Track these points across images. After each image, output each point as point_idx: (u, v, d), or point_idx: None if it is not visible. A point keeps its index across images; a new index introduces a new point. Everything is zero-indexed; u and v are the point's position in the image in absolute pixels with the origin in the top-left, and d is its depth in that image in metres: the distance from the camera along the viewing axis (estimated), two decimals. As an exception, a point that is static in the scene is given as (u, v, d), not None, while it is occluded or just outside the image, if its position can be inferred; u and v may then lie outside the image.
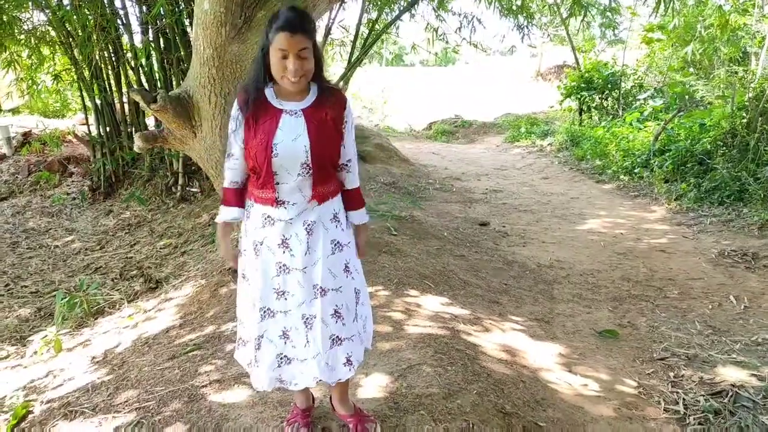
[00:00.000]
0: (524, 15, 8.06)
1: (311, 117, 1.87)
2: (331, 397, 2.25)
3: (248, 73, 2.06)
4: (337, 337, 1.96)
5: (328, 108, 1.89)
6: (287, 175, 1.87)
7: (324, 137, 1.87)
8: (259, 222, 1.94)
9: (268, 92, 1.91)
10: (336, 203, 2.00)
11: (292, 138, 1.84)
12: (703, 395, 2.76)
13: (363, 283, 2.10)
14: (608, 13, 8.68)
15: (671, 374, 3.01)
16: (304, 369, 1.99)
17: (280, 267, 1.93)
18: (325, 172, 1.92)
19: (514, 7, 7.86)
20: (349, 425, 2.18)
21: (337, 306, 1.96)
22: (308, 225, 1.92)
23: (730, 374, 2.94)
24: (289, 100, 1.89)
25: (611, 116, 11.05)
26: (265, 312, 1.96)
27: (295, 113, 1.87)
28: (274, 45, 1.78)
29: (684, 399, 2.75)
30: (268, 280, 1.94)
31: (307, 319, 1.94)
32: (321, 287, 1.92)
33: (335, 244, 1.96)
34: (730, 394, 2.74)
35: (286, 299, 1.95)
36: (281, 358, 1.99)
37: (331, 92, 1.94)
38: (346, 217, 2.05)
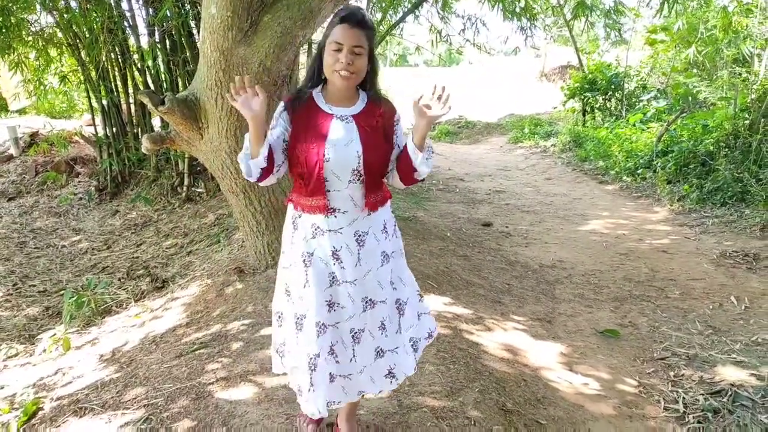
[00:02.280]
0: (527, 17, 8.08)
1: (362, 123, 1.85)
2: (337, 416, 2.22)
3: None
4: (381, 349, 1.95)
5: (378, 116, 1.87)
6: (338, 181, 1.82)
7: (375, 144, 1.84)
8: (309, 233, 1.88)
9: (317, 96, 1.88)
10: (386, 212, 1.97)
11: (344, 143, 1.81)
12: (703, 394, 2.80)
13: (411, 293, 2.05)
14: (612, 15, 8.69)
15: (671, 373, 3.04)
16: (347, 385, 1.95)
17: (332, 278, 1.88)
18: (376, 180, 1.88)
19: (517, 9, 7.88)
20: None
21: (382, 318, 1.94)
22: (359, 235, 1.88)
23: (729, 374, 2.98)
24: (339, 105, 1.86)
25: (614, 117, 11.06)
26: (320, 327, 1.88)
27: (347, 119, 1.85)
28: (330, 38, 1.78)
29: (684, 398, 2.78)
30: (321, 292, 1.87)
31: (355, 333, 1.91)
32: (371, 299, 1.91)
33: (384, 256, 1.94)
34: (730, 393, 2.77)
35: (336, 311, 1.90)
36: (330, 376, 1.93)
37: (382, 101, 1.92)
38: (394, 224, 2.03)
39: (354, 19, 1.76)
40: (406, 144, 1.90)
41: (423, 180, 1.95)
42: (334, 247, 1.86)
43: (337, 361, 1.92)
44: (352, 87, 1.86)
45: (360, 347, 1.92)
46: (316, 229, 1.87)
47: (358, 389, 1.97)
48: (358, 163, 1.81)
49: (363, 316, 1.91)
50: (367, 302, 1.90)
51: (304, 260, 1.88)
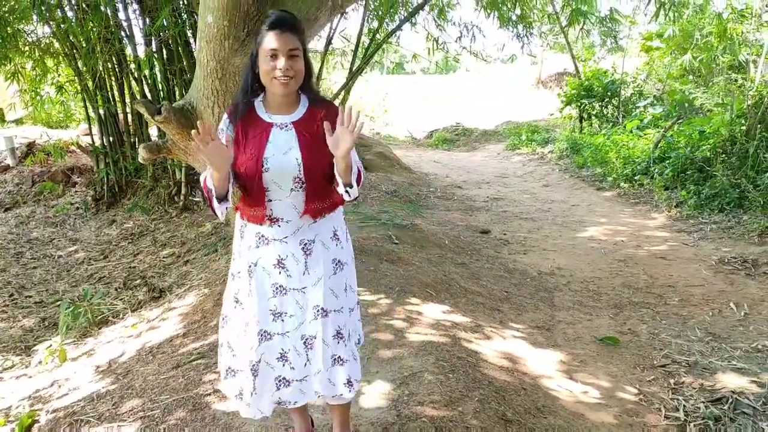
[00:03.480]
0: (523, 25, 8.10)
1: (302, 130, 1.83)
2: (332, 426, 2.19)
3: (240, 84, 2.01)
4: (339, 357, 1.92)
5: (319, 121, 1.83)
6: (279, 190, 1.81)
7: (316, 150, 1.81)
8: (253, 242, 1.88)
9: (257, 105, 1.87)
10: (336, 219, 1.94)
11: (283, 152, 1.80)
12: (704, 402, 2.78)
13: (356, 299, 2.05)
14: (607, 22, 8.73)
15: (672, 381, 3.03)
16: (304, 387, 1.94)
17: (276, 288, 1.87)
18: (319, 186, 1.85)
19: (513, 17, 7.91)
20: None
21: (339, 327, 1.91)
22: (305, 244, 1.86)
23: (730, 381, 2.96)
24: (279, 113, 1.85)
25: (611, 124, 11.09)
26: (262, 335, 1.87)
27: (286, 126, 1.83)
28: (264, 46, 1.76)
29: (684, 406, 2.76)
30: (264, 302, 1.87)
31: (306, 339, 1.89)
32: (323, 308, 1.87)
33: (336, 264, 1.91)
34: (730, 400, 2.76)
35: (283, 320, 1.88)
36: (280, 381, 1.92)
37: (323, 104, 1.90)
38: (346, 231, 2.00)
39: (285, 24, 1.76)
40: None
41: (354, 201, 1.92)
42: (279, 256, 1.85)
43: (292, 368, 1.91)
44: (293, 92, 1.84)
45: (313, 353, 1.90)
46: (260, 238, 1.87)
47: (315, 390, 1.94)
48: (299, 170, 1.80)
49: (314, 323, 1.88)
50: (318, 311, 1.87)
51: (249, 270, 1.88)
